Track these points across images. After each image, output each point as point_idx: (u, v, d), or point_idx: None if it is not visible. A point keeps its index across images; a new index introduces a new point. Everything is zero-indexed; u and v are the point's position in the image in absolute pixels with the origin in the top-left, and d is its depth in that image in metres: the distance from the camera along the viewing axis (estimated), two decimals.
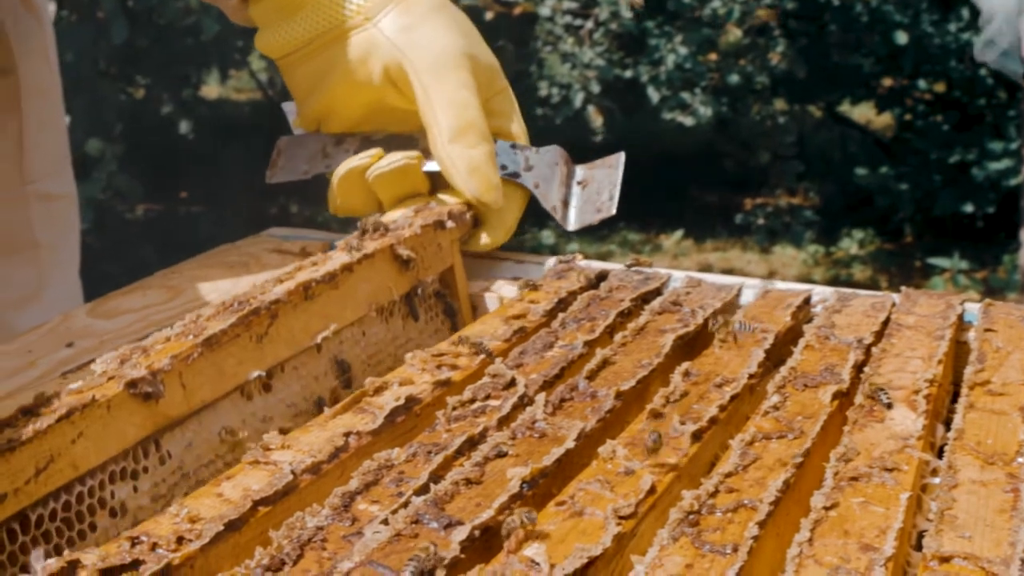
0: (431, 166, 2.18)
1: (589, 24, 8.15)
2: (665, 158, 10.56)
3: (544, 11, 8.09)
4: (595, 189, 2.28)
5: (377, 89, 2.17)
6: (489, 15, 8.20)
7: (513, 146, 2.23)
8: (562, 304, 1.97)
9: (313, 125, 2.29)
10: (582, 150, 8.36)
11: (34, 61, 2.38)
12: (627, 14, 7.94)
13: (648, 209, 10.44)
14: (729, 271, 9.35)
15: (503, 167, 2.19)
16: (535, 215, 9.58)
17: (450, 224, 2.11)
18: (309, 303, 1.79)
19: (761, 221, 10.04)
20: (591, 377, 1.68)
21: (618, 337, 1.82)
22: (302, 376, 1.78)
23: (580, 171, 2.31)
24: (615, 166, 2.33)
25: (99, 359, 1.54)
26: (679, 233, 10.11)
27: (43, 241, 2.53)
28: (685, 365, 1.72)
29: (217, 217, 9.97)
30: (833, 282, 9.17)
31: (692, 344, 1.85)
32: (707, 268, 9.37)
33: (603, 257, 9.56)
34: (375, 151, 2.18)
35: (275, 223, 2.60)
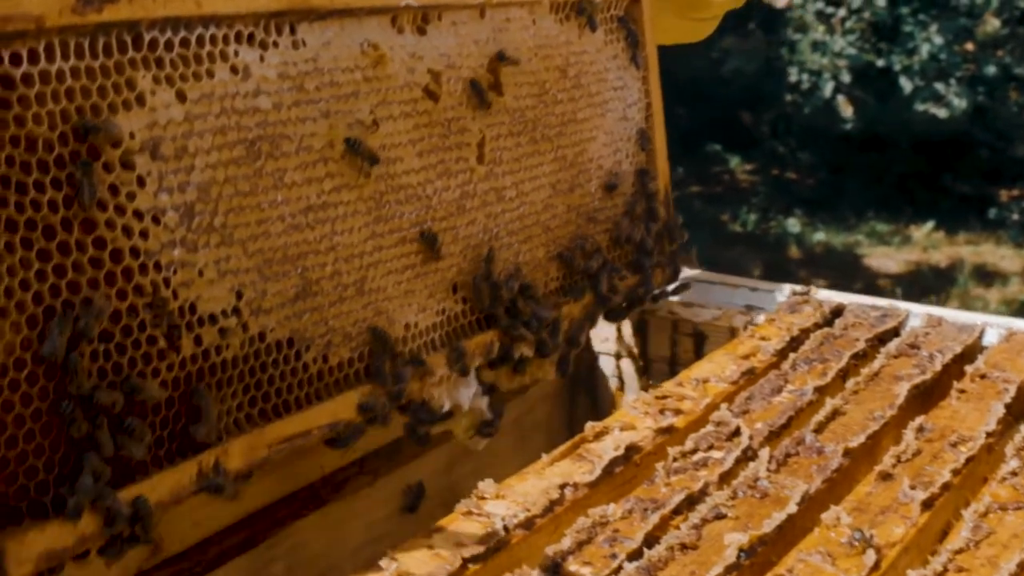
0: None
1: (841, 12, 7.97)
2: (917, 145, 10.27)
3: None
4: None
5: None
6: None
7: None
8: (794, 343, 1.90)
9: None
10: (830, 139, 8.12)
11: None
12: (880, 2, 7.73)
13: (898, 198, 10.18)
14: (981, 266, 9.06)
15: None
16: (782, 200, 9.38)
17: None
18: None
19: (1016, 216, 9.68)
20: (819, 430, 1.62)
21: (850, 383, 1.75)
22: (460, 34, 1.70)
23: None
24: None
25: None
26: (930, 224, 9.81)
27: None
28: (919, 420, 1.64)
29: None
30: None
31: (929, 392, 1.77)
32: (958, 262, 9.08)
33: (850, 247, 9.35)
34: None
35: None
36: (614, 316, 2.02)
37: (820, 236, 9.55)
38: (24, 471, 1.18)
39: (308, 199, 1.48)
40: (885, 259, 9.19)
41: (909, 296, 8.04)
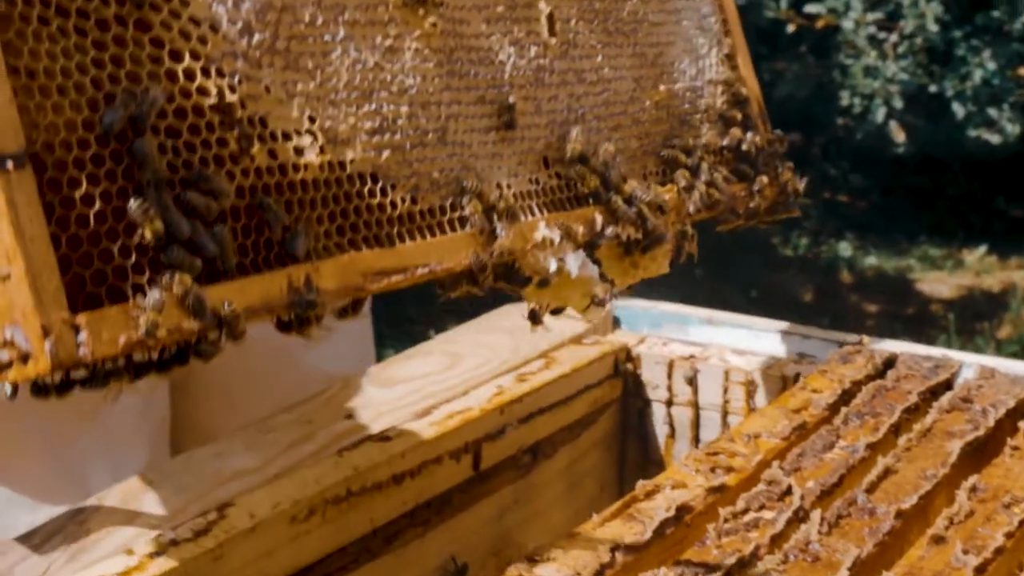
0: None
1: (893, 37, 7.93)
2: (970, 168, 10.22)
3: (847, 24, 7.89)
4: None
5: None
6: (791, 28, 8.05)
7: None
8: (846, 395, 1.90)
9: None
10: (882, 162, 8.04)
11: None
12: (933, 27, 7.68)
13: (951, 222, 10.12)
14: None
15: None
16: (833, 224, 9.34)
17: None
18: None
19: None
20: (871, 490, 1.61)
21: (902, 440, 1.75)
22: None
23: None
24: None
25: None
26: (982, 249, 9.75)
27: None
28: (972, 480, 1.64)
29: None
30: None
31: (982, 449, 1.76)
32: (1011, 287, 9.02)
33: (902, 272, 9.30)
34: None
35: None
36: (721, 220, 1.97)
37: (872, 260, 9.51)
38: (99, 254, 1.17)
39: (373, 40, 1.47)
40: (937, 284, 9.14)
41: (961, 321, 8.00)
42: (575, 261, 1.63)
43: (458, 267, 1.51)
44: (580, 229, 1.65)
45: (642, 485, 1.61)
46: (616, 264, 1.74)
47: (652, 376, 2.21)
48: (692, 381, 2.18)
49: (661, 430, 2.22)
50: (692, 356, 2.19)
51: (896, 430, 1.80)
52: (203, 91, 1.28)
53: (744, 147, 1.95)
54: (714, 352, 2.19)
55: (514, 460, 2.00)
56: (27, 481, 2.08)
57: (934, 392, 1.93)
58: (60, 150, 1.17)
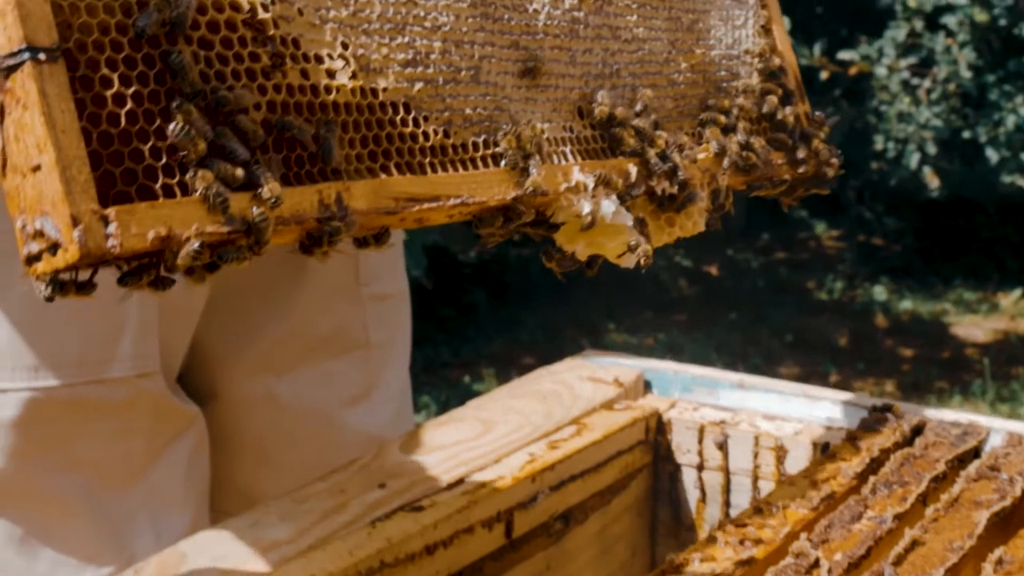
0: None
1: (927, 83, 7.96)
2: (1004, 211, 10.21)
3: (880, 70, 7.93)
4: None
5: None
6: (824, 75, 8.09)
7: None
8: (874, 464, 1.92)
9: None
10: (917, 205, 8.05)
11: None
12: (966, 73, 7.71)
13: (986, 265, 10.11)
14: None
15: None
16: (868, 268, 9.30)
17: None
18: None
19: None
20: (898, 562, 1.63)
21: (930, 510, 1.76)
22: None
23: None
24: None
25: None
26: (1017, 292, 9.74)
27: (375, 340, 2.60)
28: (998, 552, 1.65)
29: None
30: None
31: (1008, 519, 1.78)
32: None
33: (936, 316, 9.29)
34: None
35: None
36: (757, 187, 1.95)
37: (907, 304, 9.51)
38: (129, 153, 1.19)
39: None
40: (972, 327, 9.12)
41: (996, 365, 7.97)
42: (610, 206, 1.63)
43: (491, 201, 1.52)
44: (615, 178, 1.65)
45: (671, 559, 1.63)
46: (652, 222, 1.74)
47: (683, 441, 2.23)
48: (723, 446, 2.20)
49: (692, 495, 2.24)
50: (723, 421, 2.21)
51: (924, 499, 1.81)
52: (235, 6, 1.31)
53: (780, 116, 1.95)
54: (744, 417, 2.21)
55: (546, 527, 2.02)
56: (72, 543, 2.11)
57: (962, 459, 1.94)
58: (92, 50, 1.19)
